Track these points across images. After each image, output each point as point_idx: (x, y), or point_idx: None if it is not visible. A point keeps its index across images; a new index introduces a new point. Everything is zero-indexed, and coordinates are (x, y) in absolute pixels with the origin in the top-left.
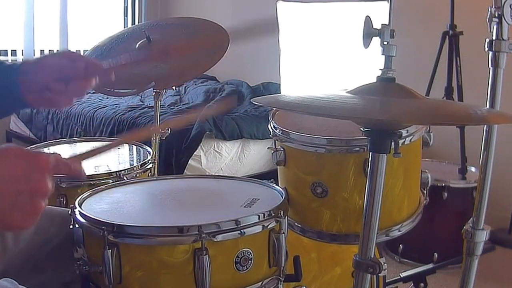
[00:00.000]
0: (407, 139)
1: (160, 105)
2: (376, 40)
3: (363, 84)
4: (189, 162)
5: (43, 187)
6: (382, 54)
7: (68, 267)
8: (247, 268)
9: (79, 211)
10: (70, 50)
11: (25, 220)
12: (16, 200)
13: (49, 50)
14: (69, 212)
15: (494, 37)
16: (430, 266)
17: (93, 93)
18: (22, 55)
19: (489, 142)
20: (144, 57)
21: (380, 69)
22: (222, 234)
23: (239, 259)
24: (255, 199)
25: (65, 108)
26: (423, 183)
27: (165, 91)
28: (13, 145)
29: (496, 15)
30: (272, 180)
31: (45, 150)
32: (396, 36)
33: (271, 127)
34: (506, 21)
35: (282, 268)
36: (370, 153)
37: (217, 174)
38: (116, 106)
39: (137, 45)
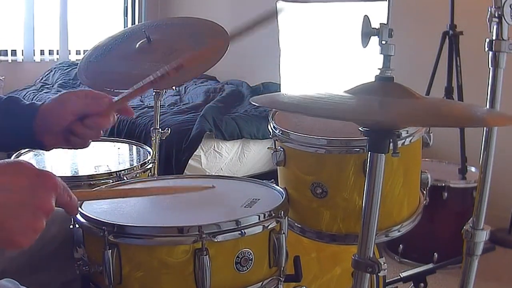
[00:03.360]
0: (407, 139)
1: (160, 105)
2: (375, 40)
3: (362, 84)
4: (189, 162)
5: (48, 204)
6: (381, 53)
7: (68, 266)
8: (247, 269)
9: (79, 211)
10: (90, 89)
11: (23, 235)
12: (18, 211)
13: (49, 50)
14: None
15: (494, 37)
16: (430, 266)
17: None
18: (22, 55)
19: (489, 142)
20: (160, 76)
21: (379, 68)
22: (222, 234)
23: (239, 259)
24: (255, 199)
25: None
26: (423, 183)
27: (165, 91)
28: (25, 161)
29: (496, 15)
30: (272, 180)
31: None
32: (395, 36)
33: (271, 128)
34: (506, 21)
35: (282, 268)
36: (369, 152)
37: (217, 174)
38: None
39: (137, 45)
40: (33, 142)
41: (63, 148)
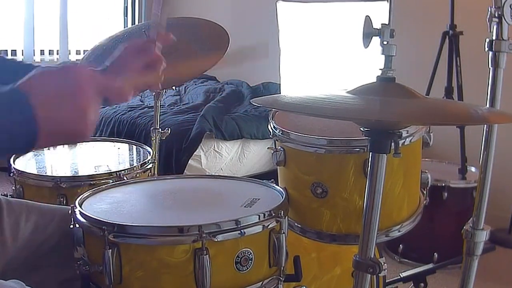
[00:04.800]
0: (407, 139)
1: (160, 105)
2: (376, 40)
3: (363, 84)
4: (189, 162)
5: (82, 87)
6: (382, 54)
7: (67, 265)
8: (247, 268)
9: (79, 211)
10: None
11: (77, 120)
12: (62, 104)
13: (49, 50)
14: (70, 211)
15: (494, 37)
16: (430, 266)
17: None
18: (22, 55)
19: (489, 142)
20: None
21: (380, 69)
22: (222, 234)
23: (239, 259)
24: (255, 199)
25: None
26: (423, 183)
27: (165, 91)
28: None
29: (496, 15)
30: (272, 180)
31: (45, 149)
32: (396, 36)
33: (271, 128)
34: (506, 21)
35: (282, 268)
36: (370, 153)
37: (217, 174)
38: (116, 106)
39: None
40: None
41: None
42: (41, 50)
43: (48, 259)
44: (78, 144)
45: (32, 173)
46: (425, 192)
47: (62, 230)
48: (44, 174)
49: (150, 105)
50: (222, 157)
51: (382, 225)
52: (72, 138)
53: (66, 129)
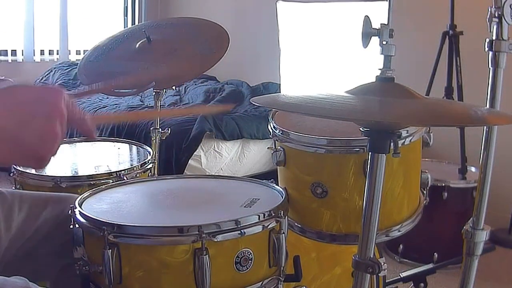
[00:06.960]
0: (407, 139)
1: (160, 105)
2: (375, 40)
3: (362, 84)
4: (189, 162)
5: (59, 108)
6: (381, 54)
7: (63, 251)
8: (247, 268)
9: (79, 211)
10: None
11: (43, 144)
12: (30, 121)
13: (49, 50)
14: (70, 212)
15: (494, 37)
16: (430, 266)
17: None
18: (22, 55)
19: (489, 142)
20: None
21: (379, 69)
22: (222, 234)
23: (239, 259)
24: (255, 199)
25: None
26: (423, 183)
27: (165, 91)
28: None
29: (496, 15)
30: (272, 180)
31: None
32: (396, 36)
33: (271, 128)
34: (506, 21)
35: (282, 268)
36: (370, 153)
37: (217, 174)
38: (116, 106)
39: (137, 45)
40: None
41: None
42: (41, 50)
43: (43, 247)
44: (78, 144)
45: (32, 173)
46: (425, 192)
47: (55, 217)
48: (44, 174)
49: (150, 105)
50: (222, 157)
51: (382, 225)
52: (30, 161)
53: (27, 150)
